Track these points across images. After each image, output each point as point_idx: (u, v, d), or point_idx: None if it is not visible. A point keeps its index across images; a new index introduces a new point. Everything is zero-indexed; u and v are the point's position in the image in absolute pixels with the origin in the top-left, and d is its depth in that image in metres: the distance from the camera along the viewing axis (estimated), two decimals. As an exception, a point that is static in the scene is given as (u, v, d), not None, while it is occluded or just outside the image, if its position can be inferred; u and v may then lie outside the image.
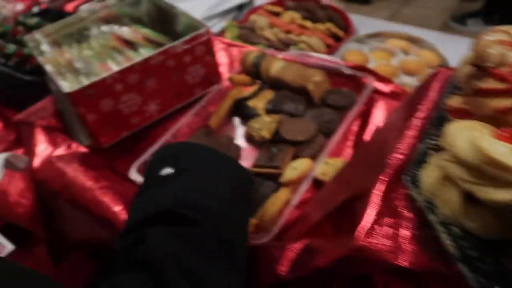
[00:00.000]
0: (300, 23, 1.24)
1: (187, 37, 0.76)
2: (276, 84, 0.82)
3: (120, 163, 0.77)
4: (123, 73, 0.73)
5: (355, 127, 0.75)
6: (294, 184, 0.66)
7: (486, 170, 0.28)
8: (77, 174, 0.67)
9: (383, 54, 0.99)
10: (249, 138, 0.76)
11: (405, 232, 0.35)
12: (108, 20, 0.95)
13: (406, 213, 0.35)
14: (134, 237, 0.39)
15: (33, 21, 1.19)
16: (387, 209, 0.37)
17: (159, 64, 0.76)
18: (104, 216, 0.60)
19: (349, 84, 0.81)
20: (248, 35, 1.21)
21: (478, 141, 0.28)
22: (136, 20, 0.97)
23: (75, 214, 0.66)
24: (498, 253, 0.29)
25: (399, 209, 0.36)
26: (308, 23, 1.22)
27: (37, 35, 0.88)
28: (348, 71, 0.80)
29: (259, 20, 1.26)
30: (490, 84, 0.33)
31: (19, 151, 0.89)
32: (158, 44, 0.92)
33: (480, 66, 0.38)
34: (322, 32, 1.18)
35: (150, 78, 0.76)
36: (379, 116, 0.72)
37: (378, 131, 0.55)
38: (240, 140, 0.78)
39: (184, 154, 0.49)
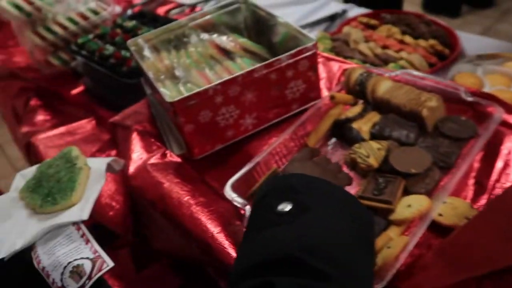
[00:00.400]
0: (399, 38, 1.15)
1: (294, 51, 0.72)
2: (382, 106, 0.75)
3: (212, 176, 0.74)
4: (225, 84, 0.70)
5: (476, 163, 0.66)
6: (406, 224, 0.58)
7: None
8: (172, 186, 0.66)
9: (502, 79, 0.88)
10: (351, 165, 0.70)
11: None
12: (206, 28, 0.94)
13: None
14: (257, 282, 0.35)
15: (130, 24, 1.23)
16: None
17: (262, 77, 0.73)
18: (200, 236, 0.57)
19: (467, 112, 0.72)
20: (341, 48, 1.15)
21: None
22: (232, 29, 0.95)
23: (167, 226, 0.64)
24: None
25: None
26: (408, 39, 1.14)
27: (139, 40, 0.88)
28: (469, 98, 0.71)
29: (354, 32, 1.19)
30: None
31: (113, 152, 0.91)
32: (255, 55, 0.90)
33: None
34: (424, 49, 1.09)
35: (250, 91, 0.73)
36: (508, 154, 0.63)
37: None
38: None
39: (303, 188, 0.44)
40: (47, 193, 0.61)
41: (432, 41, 1.09)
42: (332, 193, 0.44)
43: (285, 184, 0.46)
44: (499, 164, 0.63)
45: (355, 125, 0.73)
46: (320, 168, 0.56)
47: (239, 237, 0.58)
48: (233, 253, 0.53)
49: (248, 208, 0.62)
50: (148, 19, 1.29)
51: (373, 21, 1.24)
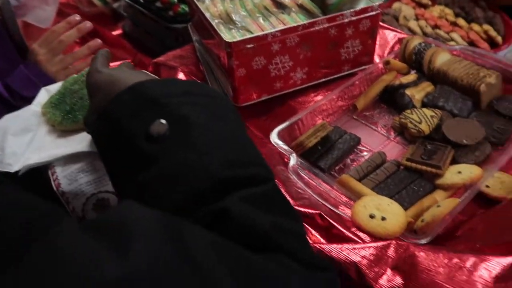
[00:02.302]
0: (451, 20, 1.12)
1: (359, 8, 0.71)
2: (438, 78, 0.74)
3: (254, 124, 0.75)
4: (285, 32, 0.69)
5: (528, 144, 0.65)
6: (453, 190, 0.58)
7: None
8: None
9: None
10: (399, 130, 0.70)
11: None
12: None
13: None
14: (207, 213, 0.31)
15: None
16: None
17: (321, 31, 0.72)
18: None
19: (524, 94, 0.70)
20: (390, 22, 1.13)
21: None
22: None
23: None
24: None
25: None
26: (462, 21, 1.11)
27: (196, -18, 0.87)
28: (530, 80, 0.69)
29: (405, 9, 1.16)
30: None
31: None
32: (310, 13, 0.88)
33: None
34: (477, 33, 1.06)
35: (307, 44, 0.72)
36: None
37: None
38: (381, 129, 0.72)
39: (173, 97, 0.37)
40: (69, 109, 0.58)
41: (486, 27, 1.06)
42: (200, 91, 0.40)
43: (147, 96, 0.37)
44: (554, 146, 0.62)
45: (408, 91, 0.72)
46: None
47: (286, 179, 0.58)
48: (281, 190, 0.53)
49: (294, 155, 0.62)
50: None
51: (426, 0, 1.20)
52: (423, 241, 0.48)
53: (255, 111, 0.76)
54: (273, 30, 0.69)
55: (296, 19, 0.83)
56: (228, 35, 0.79)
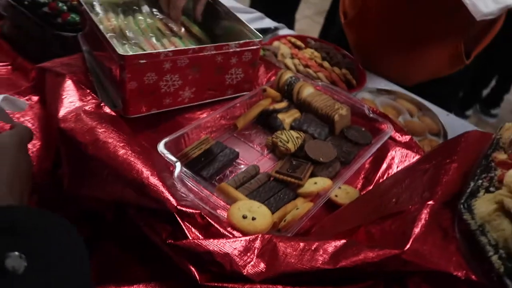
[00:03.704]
0: (319, 62, 1.32)
1: (242, 41, 0.82)
2: (304, 107, 0.88)
3: (143, 137, 0.79)
4: (176, 53, 0.76)
5: (367, 164, 0.81)
6: (310, 197, 0.70)
7: (544, 207, 0.35)
8: (108, 133, 0.68)
9: (392, 111, 1.09)
10: (272, 147, 0.81)
11: (453, 247, 0.40)
12: (155, 3, 0.98)
13: (453, 233, 0.41)
14: None
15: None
16: (436, 226, 0.42)
17: (210, 57, 0.80)
18: (135, 178, 0.61)
19: (367, 125, 0.88)
20: (270, 57, 1.28)
21: (542, 183, 0.35)
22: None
23: (98, 170, 0.66)
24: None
25: (447, 229, 0.42)
26: (326, 64, 1.32)
27: (91, -5, 0.89)
28: (371, 114, 0.87)
29: (283, 48, 1.33)
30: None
31: (34, 98, 0.88)
32: (200, 40, 0.97)
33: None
34: (337, 75, 1.27)
35: (196, 66, 0.80)
36: (391, 160, 0.80)
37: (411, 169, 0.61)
38: (257, 147, 0.83)
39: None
40: None
41: (344, 71, 1.28)
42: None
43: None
44: (384, 166, 0.79)
45: (280, 116, 0.84)
46: None
47: (170, 185, 0.63)
48: (166, 192, 0.58)
49: (178, 164, 0.68)
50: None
51: (300, 43, 1.40)
52: (287, 234, 0.58)
53: (145, 123, 0.80)
54: (165, 50, 0.75)
55: (187, 44, 0.91)
56: (122, 49, 0.82)
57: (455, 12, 0.94)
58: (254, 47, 0.84)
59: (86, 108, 0.75)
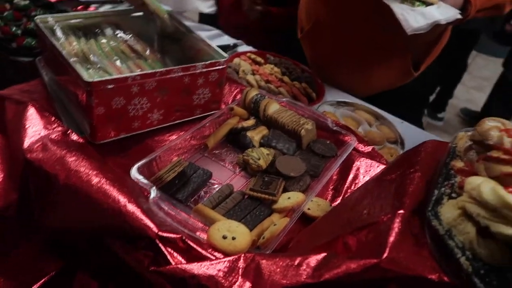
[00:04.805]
0: (279, 77, 1.37)
1: (208, 62, 0.83)
2: (271, 123, 0.91)
3: (113, 162, 0.78)
4: (145, 76, 0.76)
5: (335, 176, 0.85)
6: (285, 212, 0.73)
7: (502, 211, 0.39)
8: (79, 161, 0.67)
9: (352, 122, 1.15)
10: (243, 165, 0.83)
11: (425, 252, 0.44)
12: (118, 26, 0.97)
13: (424, 239, 0.45)
14: None
15: (22, 2, 1.17)
16: (408, 234, 0.46)
17: (176, 78, 0.81)
18: (111, 206, 0.60)
19: (331, 138, 0.93)
20: (232, 74, 1.30)
21: (499, 190, 0.40)
22: (145, 34, 1.01)
23: (70, 200, 0.65)
24: (503, 271, 0.39)
25: (418, 235, 0.46)
26: (287, 79, 1.36)
27: (50, 19, 0.87)
28: (334, 127, 0.92)
29: (243, 64, 1.36)
30: (498, 154, 0.45)
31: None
32: (164, 61, 0.97)
33: (480, 142, 0.51)
34: (298, 90, 1.32)
35: (164, 89, 0.80)
36: (357, 170, 0.84)
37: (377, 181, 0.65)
38: (228, 165, 0.84)
39: None
40: None
41: (304, 85, 1.33)
42: None
43: None
44: (350, 176, 0.84)
45: (249, 134, 0.86)
46: None
47: (148, 210, 0.63)
48: (145, 218, 0.58)
49: (154, 189, 0.68)
50: (43, 4, 1.25)
51: (260, 59, 1.44)
52: (266, 251, 0.60)
53: (114, 148, 0.79)
54: (133, 74, 0.75)
55: (153, 66, 0.92)
56: (87, 75, 0.81)
57: (401, 27, 1.01)
58: (220, 67, 0.86)
59: (52, 136, 0.74)
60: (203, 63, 0.83)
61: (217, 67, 0.86)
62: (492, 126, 0.50)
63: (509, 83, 2.80)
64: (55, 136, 0.74)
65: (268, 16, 1.59)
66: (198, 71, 0.83)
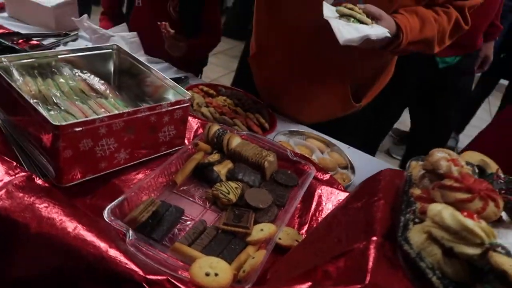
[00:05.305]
0: (232, 108, 1.41)
1: (173, 101, 0.86)
2: (235, 157, 0.94)
3: (81, 204, 0.76)
4: (113, 118, 0.77)
5: (299, 204, 0.91)
6: (259, 244, 0.76)
7: (462, 234, 0.46)
8: (50, 208, 0.65)
9: (305, 150, 1.22)
10: (212, 200, 0.85)
11: (400, 274, 0.49)
12: (74, 64, 0.97)
13: (397, 261, 0.51)
14: None
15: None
16: (383, 258, 0.51)
17: (143, 118, 0.82)
18: (91, 252, 0.59)
19: (291, 168, 0.98)
20: (187, 107, 1.33)
21: (458, 216, 0.47)
22: (101, 71, 1.01)
23: (43, 249, 0.62)
24: (468, 286, 0.46)
25: (391, 259, 0.51)
26: (240, 110, 1.41)
27: (4, 59, 0.84)
28: (293, 158, 0.98)
29: (197, 97, 1.39)
30: (451, 182, 0.53)
31: None
32: (123, 99, 0.98)
33: (432, 171, 0.59)
34: (251, 120, 1.37)
35: (131, 128, 0.81)
36: (319, 198, 0.90)
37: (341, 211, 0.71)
38: (199, 200, 0.86)
39: None
40: None
41: (257, 115, 1.39)
42: None
43: None
44: (314, 204, 0.89)
45: (215, 168, 0.89)
46: None
47: (130, 253, 0.63)
48: (129, 263, 0.58)
49: (130, 231, 0.68)
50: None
51: (212, 91, 1.48)
52: (248, 286, 0.62)
53: (81, 190, 0.78)
54: (101, 116, 0.75)
55: (115, 104, 0.92)
56: (50, 117, 0.79)
57: (341, 55, 1.07)
58: (185, 105, 0.89)
59: (16, 182, 0.71)
60: (168, 102, 0.85)
61: (181, 105, 0.88)
62: (441, 157, 0.58)
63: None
64: (19, 182, 0.71)
65: (191, 48, 1.65)
66: (164, 109, 0.85)
